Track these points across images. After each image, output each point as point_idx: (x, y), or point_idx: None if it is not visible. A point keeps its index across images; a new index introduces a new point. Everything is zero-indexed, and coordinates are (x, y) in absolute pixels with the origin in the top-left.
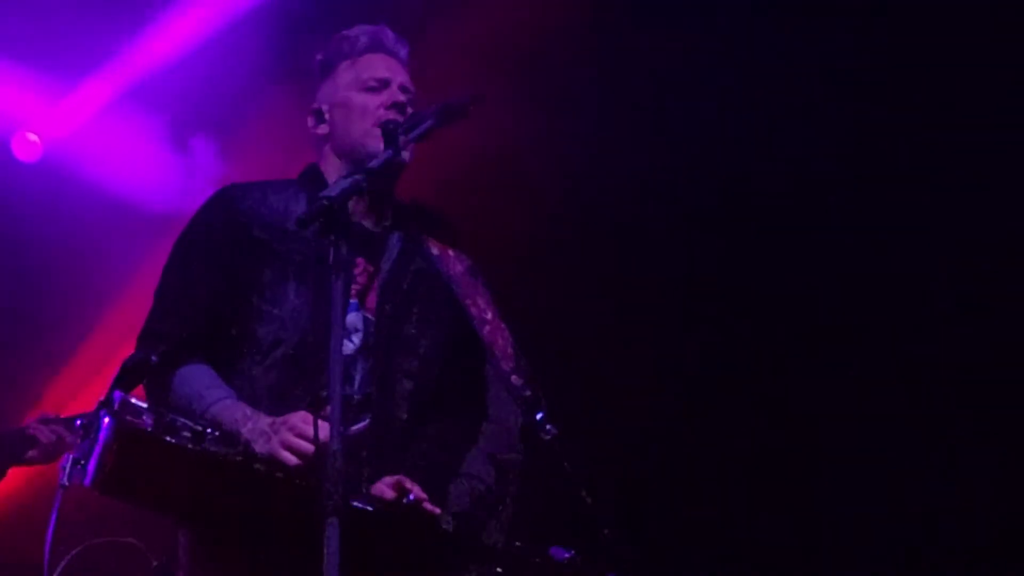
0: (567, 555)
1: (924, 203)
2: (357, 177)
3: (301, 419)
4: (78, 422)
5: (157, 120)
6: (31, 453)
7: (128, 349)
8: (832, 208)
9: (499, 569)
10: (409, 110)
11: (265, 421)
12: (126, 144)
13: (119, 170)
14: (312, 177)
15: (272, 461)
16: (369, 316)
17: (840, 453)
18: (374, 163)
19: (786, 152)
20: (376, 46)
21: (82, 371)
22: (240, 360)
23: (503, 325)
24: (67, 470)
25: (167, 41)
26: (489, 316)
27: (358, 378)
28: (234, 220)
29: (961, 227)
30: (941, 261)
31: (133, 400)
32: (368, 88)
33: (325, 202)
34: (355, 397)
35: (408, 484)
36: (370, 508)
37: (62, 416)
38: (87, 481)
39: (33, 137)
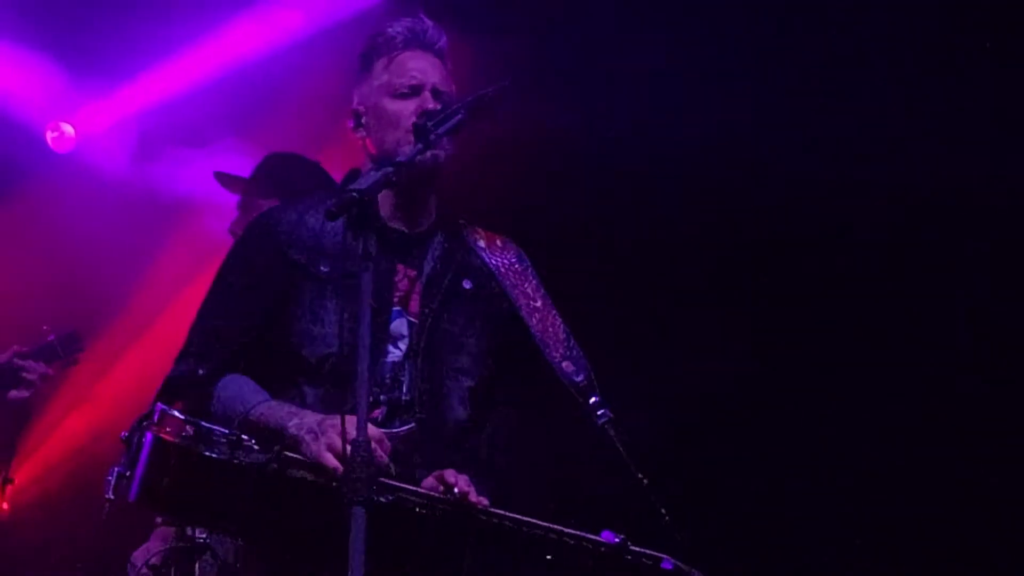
0: (617, 539)
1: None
2: (387, 169)
3: (338, 421)
4: (123, 434)
5: (195, 121)
6: (16, 393)
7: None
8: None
9: (548, 556)
10: None
11: (314, 418)
12: (159, 143)
13: (150, 169)
14: (351, 180)
15: (310, 464)
16: (413, 320)
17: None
18: (403, 156)
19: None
20: (412, 41)
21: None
22: (290, 377)
23: (553, 311)
24: (111, 483)
25: (213, 50)
26: (539, 304)
27: (406, 382)
28: (272, 245)
29: None
30: None
31: (174, 412)
32: (399, 95)
33: (354, 194)
34: (403, 399)
35: (452, 477)
36: (389, 499)
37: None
38: (131, 496)
39: (68, 129)
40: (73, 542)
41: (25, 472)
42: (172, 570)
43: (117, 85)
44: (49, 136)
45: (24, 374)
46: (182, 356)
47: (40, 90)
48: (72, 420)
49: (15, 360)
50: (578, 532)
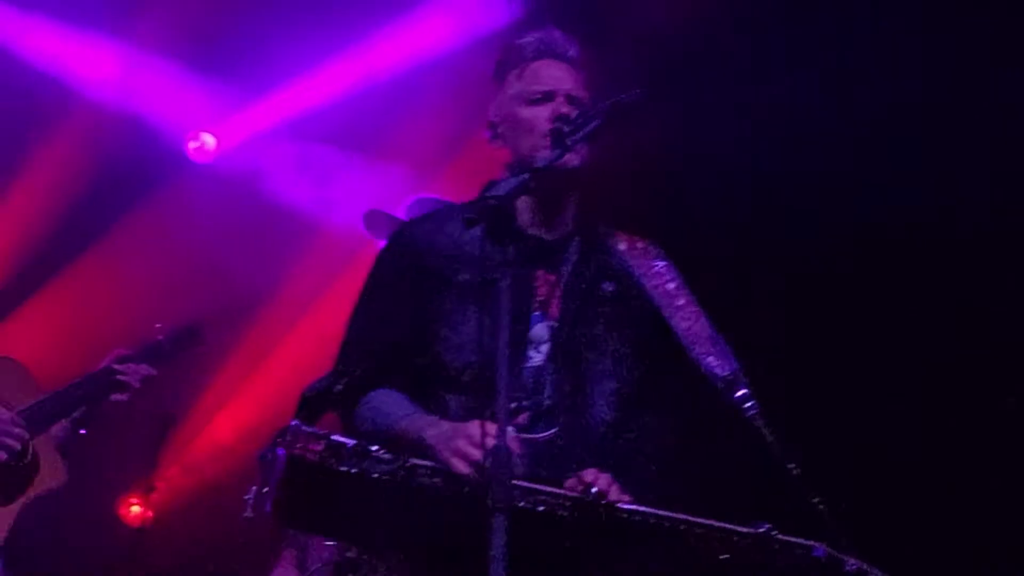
0: (765, 528)
1: None
2: (524, 176)
3: (476, 427)
4: (260, 453)
5: (333, 132)
6: (116, 396)
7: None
8: None
9: (725, 555)
10: None
11: (449, 426)
12: (297, 157)
13: (288, 182)
14: (488, 190)
15: (440, 471)
16: (554, 324)
17: None
18: (540, 162)
19: None
20: (543, 51)
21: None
22: (432, 387)
23: (697, 309)
24: (250, 502)
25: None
26: (682, 302)
27: (548, 386)
28: (411, 257)
29: None
30: None
31: (307, 428)
32: (533, 101)
33: (491, 201)
34: (545, 404)
35: (591, 476)
36: (528, 503)
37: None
38: (267, 509)
39: (209, 139)
40: (216, 552)
41: (171, 477)
42: None
43: (258, 96)
44: (191, 146)
45: (120, 377)
46: (329, 373)
47: (182, 101)
48: (217, 423)
49: (113, 365)
50: (723, 524)
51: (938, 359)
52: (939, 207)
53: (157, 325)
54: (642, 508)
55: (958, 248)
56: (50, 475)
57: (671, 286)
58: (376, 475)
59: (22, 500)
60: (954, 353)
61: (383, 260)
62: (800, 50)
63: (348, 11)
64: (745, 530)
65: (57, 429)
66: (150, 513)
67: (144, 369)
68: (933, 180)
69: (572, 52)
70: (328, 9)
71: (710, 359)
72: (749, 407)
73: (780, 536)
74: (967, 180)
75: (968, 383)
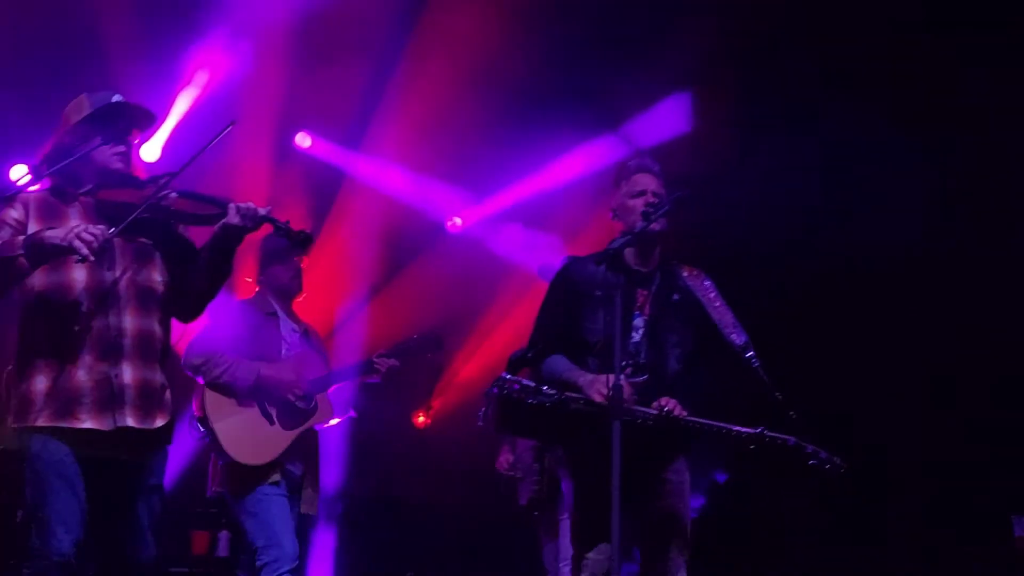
0: (759, 430)
1: None
2: (628, 236)
3: (604, 376)
4: (489, 391)
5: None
6: (372, 379)
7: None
8: None
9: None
10: None
11: (590, 376)
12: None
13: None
14: (611, 244)
15: (586, 400)
16: (646, 318)
17: None
18: (638, 228)
19: None
20: (639, 168)
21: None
22: (580, 354)
23: (726, 306)
24: (480, 416)
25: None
26: (717, 304)
27: (643, 352)
28: (568, 283)
29: None
30: None
31: (510, 377)
32: (634, 196)
33: (611, 250)
34: (641, 362)
35: (665, 401)
36: (641, 418)
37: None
38: (486, 424)
39: (458, 220)
40: (467, 444)
41: (441, 400)
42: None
43: (487, 194)
44: (448, 223)
45: (376, 365)
46: (525, 347)
47: (444, 195)
48: (465, 370)
49: (373, 357)
50: (740, 427)
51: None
52: None
53: (414, 336)
54: (693, 418)
55: None
56: (324, 415)
57: (711, 295)
58: (547, 403)
59: (300, 430)
60: None
61: (554, 285)
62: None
63: (541, 145)
64: (750, 430)
65: (342, 390)
66: (429, 421)
67: (392, 362)
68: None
69: (656, 168)
70: (533, 143)
71: (734, 335)
72: (753, 361)
73: (769, 433)
74: None
75: None
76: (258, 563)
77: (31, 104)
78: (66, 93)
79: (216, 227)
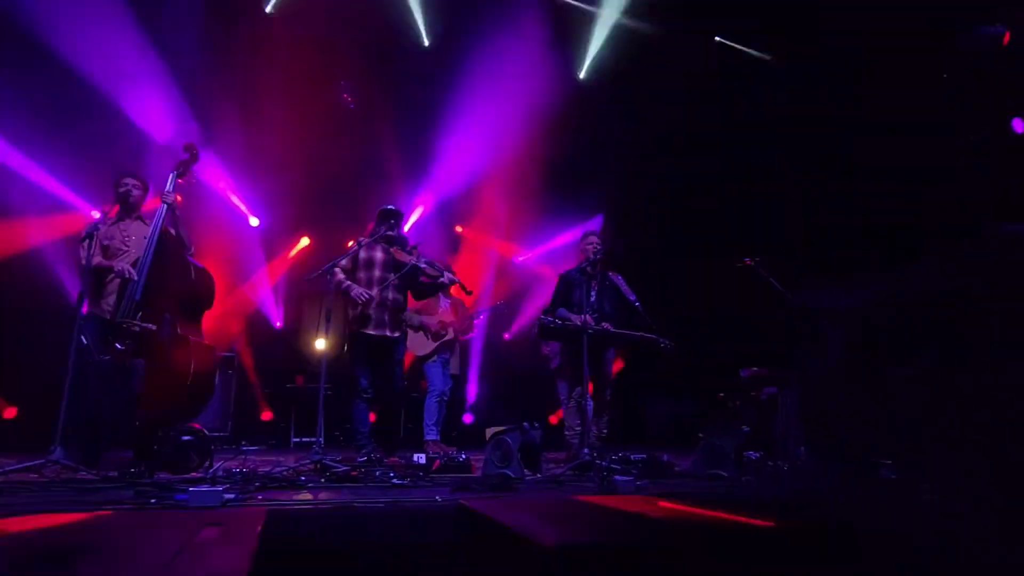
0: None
1: None
2: (585, 263)
3: (581, 316)
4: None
5: None
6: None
7: None
8: None
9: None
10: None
11: (574, 316)
12: None
13: None
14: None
15: (573, 325)
16: (595, 292)
17: None
18: (591, 259)
19: None
20: (589, 234)
21: None
22: (570, 308)
23: (625, 285)
24: (536, 331)
25: None
26: (622, 285)
27: (596, 306)
28: (565, 282)
29: None
30: None
31: (546, 318)
32: (587, 246)
33: (583, 266)
34: (594, 308)
35: (604, 324)
36: (593, 331)
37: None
38: (536, 334)
39: None
40: None
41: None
42: None
43: None
44: None
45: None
46: (546, 308)
47: None
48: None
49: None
50: (638, 334)
51: None
52: None
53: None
54: (616, 331)
55: None
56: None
57: (620, 280)
58: (558, 325)
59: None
60: None
61: (560, 279)
62: None
63: None
64: (638, 334)
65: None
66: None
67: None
68: None
69: (598, 233)
70: None
71: (630, 296)
72: (639, 307)
73: (646, 335)
74: None
75: None
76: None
77: None
78: None
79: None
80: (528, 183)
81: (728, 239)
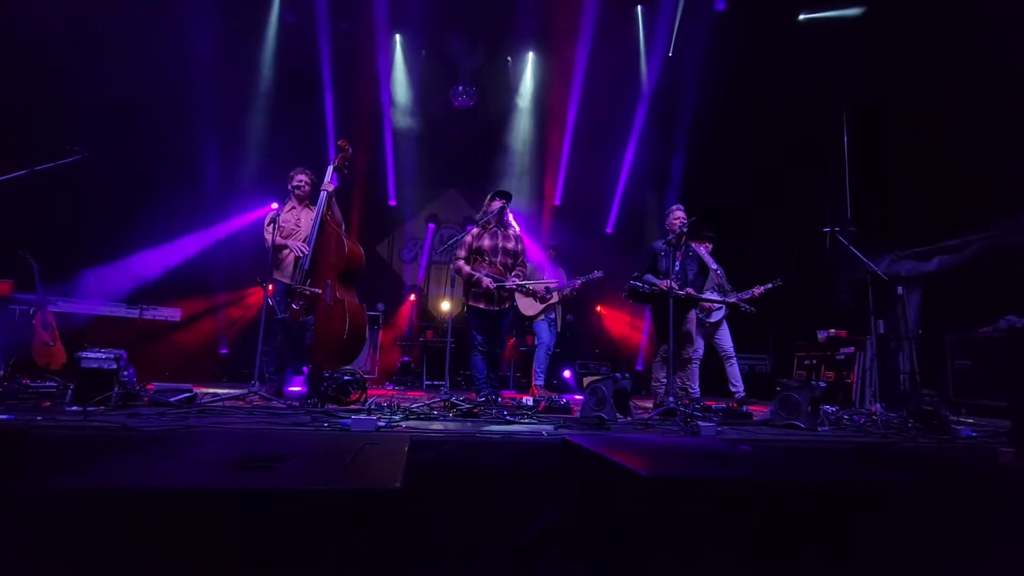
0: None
1: None
2: (672, 235)
3: (667, 281)
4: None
5: None
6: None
7: None
8: None
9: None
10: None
11: (662, 281)
12: None
13: None
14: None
15: (659, 289)
16: (679, 261)
17: None
18: (674, 232)
19: None
20: (675, 208)
21: None
22: (656, 275)
23: (708, 255)
24: (625, 293)
25: None
26: (705, 255)
27: (680, 274)
28: (653, 248)
29: None
30: None
31: (635, 283)
32: (674, 219)
33: (669, 238)
34: (680, 278)
35: (687, 289)
36: (676, 295)
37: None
38: (626, 296)
39: None
40: None
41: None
42: None
43: None
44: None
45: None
46: (641, 273)
47: None
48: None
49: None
50: (718, 297)
51: None
52: None
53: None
54: (697, 295)
55: None
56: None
57: (703, 251)
58: (648, 289)
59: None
60: None
61: (649, 249)
62: None
63: None
64: (719, 298)
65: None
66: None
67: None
68: None
69: (682, 208)
70: None
71: (712, 265)
72: (722, 275)
73: (727, 298)
74: None
75: None
76: None
77: None
78: None
79: None
80: None
81: (808, 208)
